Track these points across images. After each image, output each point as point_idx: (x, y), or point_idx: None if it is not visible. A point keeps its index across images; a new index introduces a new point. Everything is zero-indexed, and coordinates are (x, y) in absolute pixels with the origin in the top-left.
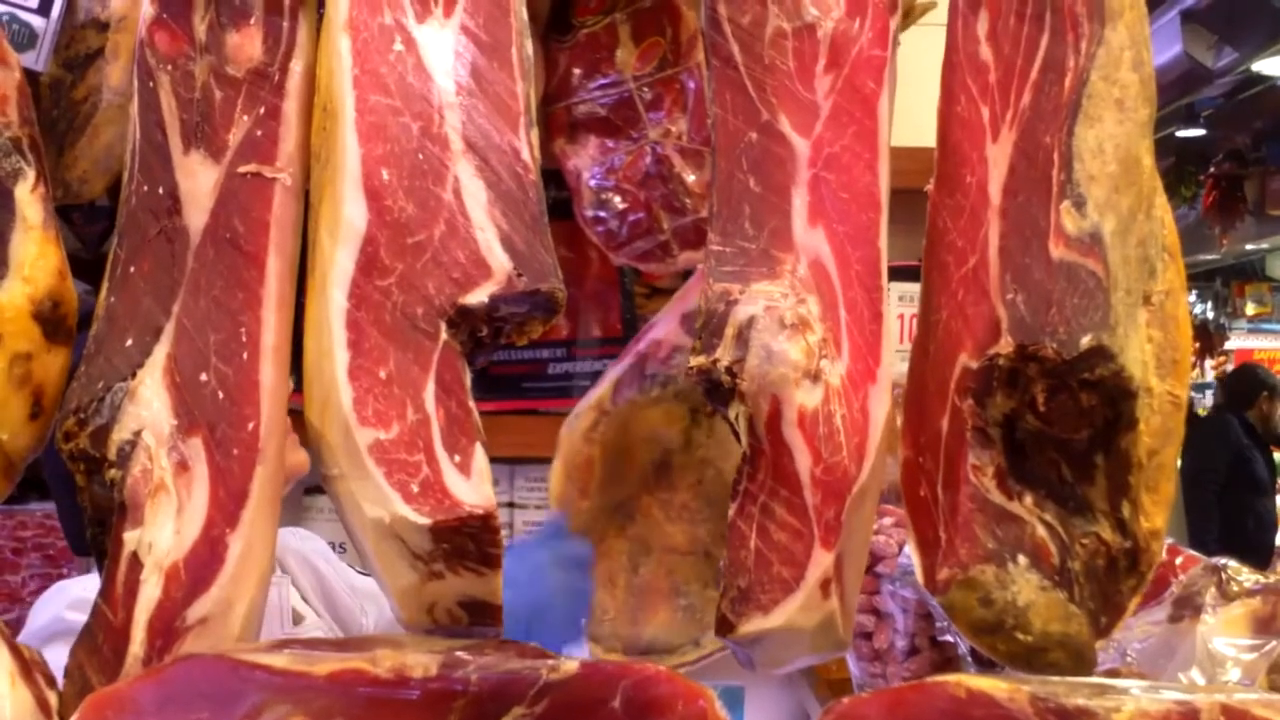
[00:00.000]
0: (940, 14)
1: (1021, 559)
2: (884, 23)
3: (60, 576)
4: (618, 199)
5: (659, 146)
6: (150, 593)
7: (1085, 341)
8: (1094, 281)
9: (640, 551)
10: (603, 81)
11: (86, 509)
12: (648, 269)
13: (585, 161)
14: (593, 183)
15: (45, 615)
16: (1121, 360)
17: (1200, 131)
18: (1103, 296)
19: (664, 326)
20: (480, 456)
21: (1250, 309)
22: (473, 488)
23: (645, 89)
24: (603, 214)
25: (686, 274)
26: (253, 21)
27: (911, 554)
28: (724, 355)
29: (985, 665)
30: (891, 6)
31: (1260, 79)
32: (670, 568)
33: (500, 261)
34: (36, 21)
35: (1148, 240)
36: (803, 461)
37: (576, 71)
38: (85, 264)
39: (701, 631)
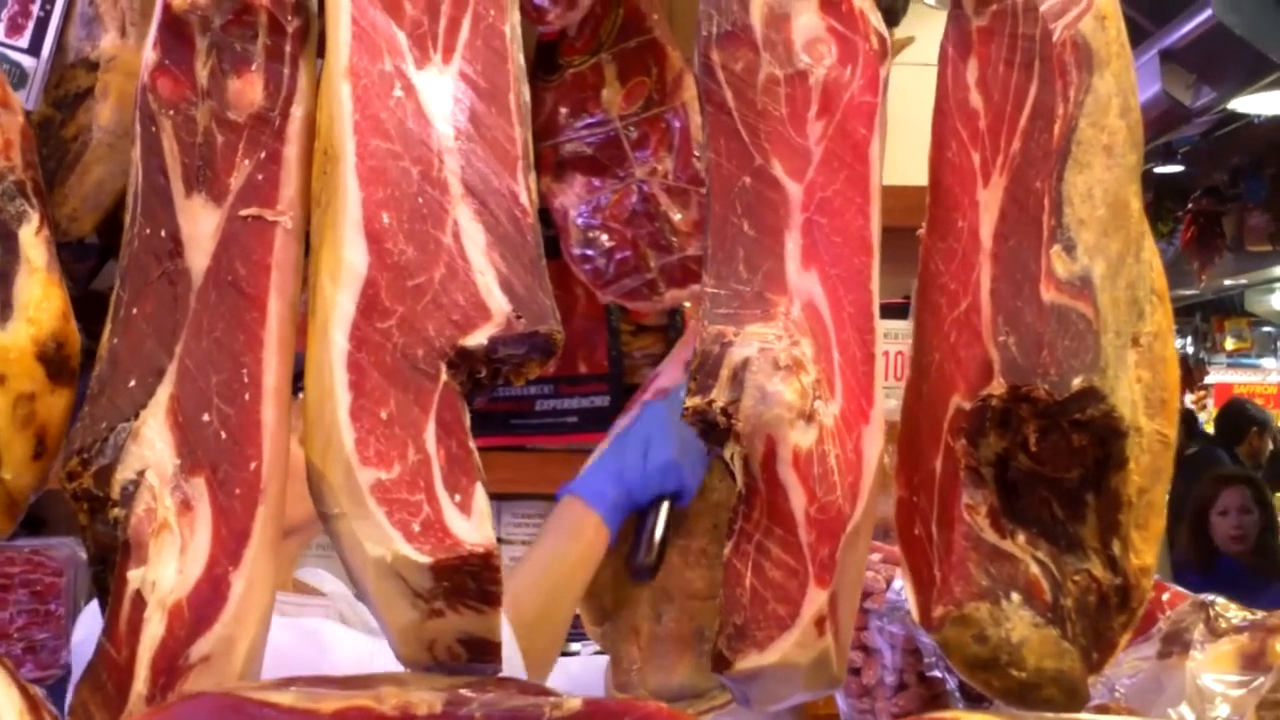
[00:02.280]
0: (925, 54)
1: (1015, 596)
2: (874, 70)
3: (49, 613)
4: (604, 237)
5: (645, 185)
6: (154, 631)
7: (1076, 383)
8: (1084, 324)
9: (662, 600)
10: (589, 120)
11: (89, 547)
12: (635, 307)
13: (572, 200)
14: (579, 221)
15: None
16: (1112, 401)
17: (1178, 168)
18: (1093, 339)
19: (669, 374)
20: (480, 496)
21: (1229, 344)
22: (473, 527)
23: (631, 128)
24: (590, 252)
25: (673, 311)
26: (254, 68)
27: (906, 591)
28: (719, 396)
29: (974, 701)
30: (882, 54)
31: (1237, 116)
32: (692, 614)
33: (499, 304)
34: (27, 61)
35: (1136, 283)
36: (797, 501)
37: (563, 110)
38: (75, 301)
39: None
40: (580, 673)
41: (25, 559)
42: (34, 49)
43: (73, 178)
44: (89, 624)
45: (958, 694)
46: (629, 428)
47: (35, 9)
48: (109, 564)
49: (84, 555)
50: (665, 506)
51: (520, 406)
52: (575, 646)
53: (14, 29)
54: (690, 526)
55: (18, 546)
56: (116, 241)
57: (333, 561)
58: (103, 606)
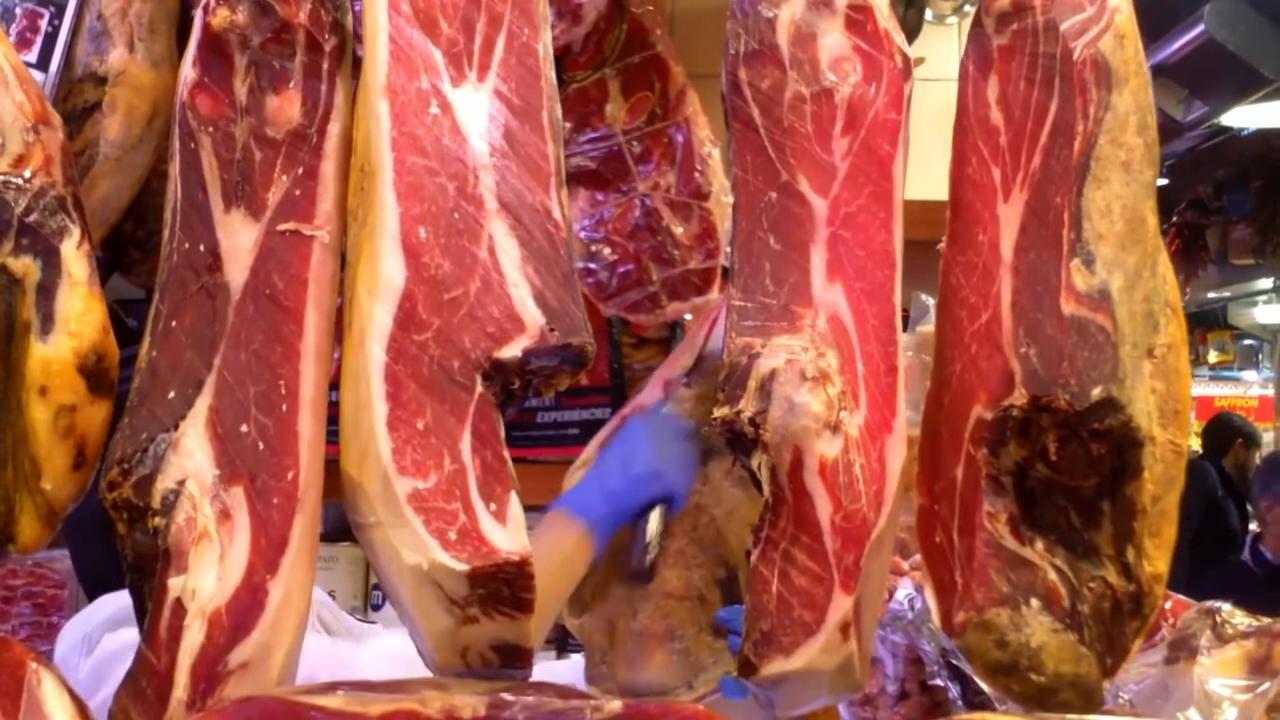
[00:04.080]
0: (941, 69)
1: (1034, 602)
2: (898, 88)
3: (51, 625)
4: (607, 251)
5: (648, 199)
6: (193, 638)
7: (1096, 393)
8: (1103, 336)
9: (639, 597)
10: (592, 135)
11: (127, 556)
12: (636, 319)
13: (575, 214)
14: (583, 234)
15: (110, 608)
16: (1130, 411)
17: (1163, 181)
18: (1111, 350)
19: (647, 393)
20: (515, 505)
21: (1213, 356)
22: (508, 535)
23: (634, 143)
24: (593, 265)
25: (675, 324)
26: (292, 85)
27: (928, 597)
28: (747, 407)
29: (975, 710)
30: (905, 73)
31: (1222, 130)
32: (666, 612)
33: (533, 317)
34: (35, 75)
35: (1152, 296)
36: (823, 509)
37: (567, 125)
38: None
39: (694, 674)
40: (565, 672)
41: (28, 572)
42: (42, 63)
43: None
44: (70, 638)
45: (959, 703)
46: (611, 443)
47: (43, 24)
48: (146, 573)
49: None
50: (657, 512)
51: (522, 419)
52: (576, 657)
53: (23, 43)
54: (670, 528)
55: (20, 559)
56: (122, 255)
57: (332, 574)
58: (139, 615)
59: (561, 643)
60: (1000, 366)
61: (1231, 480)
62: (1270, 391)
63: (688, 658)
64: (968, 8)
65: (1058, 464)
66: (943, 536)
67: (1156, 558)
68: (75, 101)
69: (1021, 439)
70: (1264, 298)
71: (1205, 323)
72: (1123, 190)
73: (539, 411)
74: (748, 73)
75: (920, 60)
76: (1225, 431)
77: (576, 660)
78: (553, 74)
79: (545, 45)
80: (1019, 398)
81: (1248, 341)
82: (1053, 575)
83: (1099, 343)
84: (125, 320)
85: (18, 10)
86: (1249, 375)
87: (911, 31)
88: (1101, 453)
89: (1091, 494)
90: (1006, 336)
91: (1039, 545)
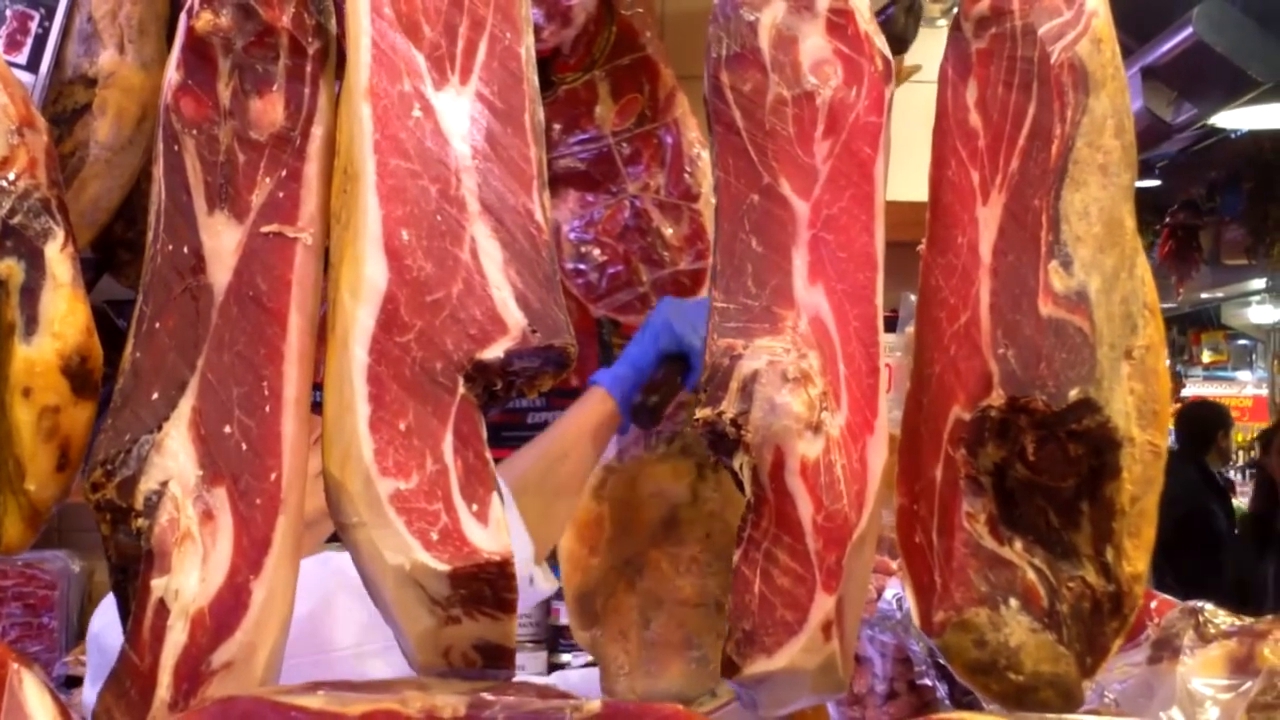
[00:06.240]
0: (929, 71)
1: (1013, 602)
2: (879, 91)
3: (41, 625)
4: (597, 252)
5: (637, 200)
6: (176, 638)
7: (1073, 394)
8: (1081, 337)
9: (651, 605)
10: (582, 137)
11: (111, 556)
12: (627, 320)
13: (565, 215)
14: (572, 236)
15: None
16: (1107, 412)
17: (1155, 183)
18: (1089, 351)
19: None
20: (496, 506)
21: (1206, 356)
22: (490, 536)
23: (624, 144)
24: (582, 266)
25: None
26: (275, 88)
27: (908, 597)
28: (729, 408)
29: (963, 709)
30: (886, 75)
31: (1214, 131)
32: (681, 620)
33: (515, 318)
34: (25, 77)
35: (1130, 298)
36: (805, 509)
37: (556, 127)
38: None
39: (717, 681)
40: (579, 683)
41: (18, 572)
42: (32, 65)
43: (69, 193)
44: (108, 612)
45: (947, 702)
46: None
47: (34, 26)
48: (130, 573)
49: (76, 568)
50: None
51: (512, 419)
52: (566, 657)
53: (12, 45)
54: (682, 534)
55: (11, 560)
56: (111, 256)
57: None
58: (122, 615)
59: (552, 643)
60: (979, 367)
61: (1214, 478)
62: (1264, 391)
63: (707, 666)
64: (956, 11)
65: (1036, 464)
66: (922, 536)
67: (1136, 558)
68: (65, 103)
69: (1000, 439)
70: (1257, 298)
71: (1199, 323)
72: (1100, 193)
73: (529, 412)
74: (730, 76)
75: (916, 68)
76: (1203, 422)
77: (587, 671)
78: (535, 77)
79: (528, 49)
80: (997, 398)
81: (1241, 341)
82: (1031, 575)
83: (1076, 344)
84: (115, 321)
85: (8, 12)
86: (1243, 375)
87: (910, 39)
88: (1080, 453)
89: (1070, 494)
90: (985, 338)
91: (1018, 545)
